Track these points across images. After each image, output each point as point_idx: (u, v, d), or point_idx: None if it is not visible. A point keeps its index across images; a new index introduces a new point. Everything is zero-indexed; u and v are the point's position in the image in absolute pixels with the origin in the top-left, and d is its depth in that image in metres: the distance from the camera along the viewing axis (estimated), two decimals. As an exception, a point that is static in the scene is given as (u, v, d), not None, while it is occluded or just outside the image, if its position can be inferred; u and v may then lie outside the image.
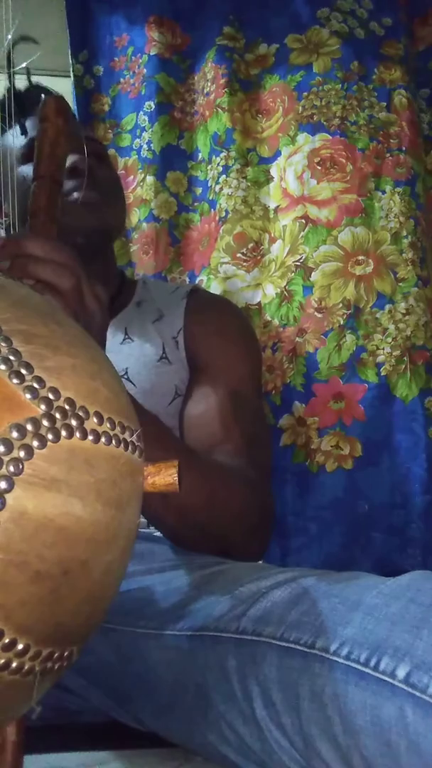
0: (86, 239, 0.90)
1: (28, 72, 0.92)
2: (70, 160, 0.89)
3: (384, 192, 1.27)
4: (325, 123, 1.28)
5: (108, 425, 0.36)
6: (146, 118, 1.37)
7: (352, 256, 1.23)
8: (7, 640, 0.32)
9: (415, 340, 1.22)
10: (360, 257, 1.23)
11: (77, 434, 0.34)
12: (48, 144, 0.67)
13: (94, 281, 0.62)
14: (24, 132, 0.90)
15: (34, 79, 0.99)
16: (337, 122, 1.28)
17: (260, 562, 0.85)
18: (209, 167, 1.34)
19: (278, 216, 1.28)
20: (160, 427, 0.72)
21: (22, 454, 0.32)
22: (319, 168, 1.26)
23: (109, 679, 0.70)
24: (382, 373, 1.21)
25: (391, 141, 1.29)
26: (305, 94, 1.30)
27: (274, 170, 1.30)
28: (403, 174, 1.28)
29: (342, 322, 1.21)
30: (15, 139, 0.96)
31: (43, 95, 0.79)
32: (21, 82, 0.95)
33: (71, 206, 0.88)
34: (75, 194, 0.89)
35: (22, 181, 0.73)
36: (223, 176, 1.31)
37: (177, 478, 0.41)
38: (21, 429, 0.33)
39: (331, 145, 1.27)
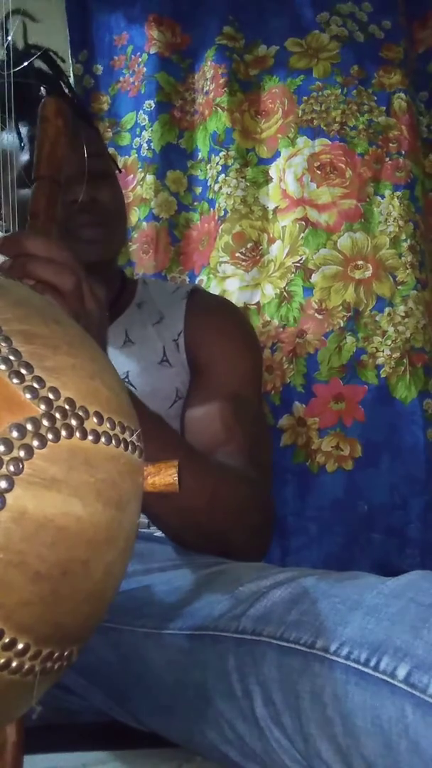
0: (87, 270, 0.89)
1: (25, 32, 0.90)
2: (74, 192, 0.87)
3: (383, 196, 1.27)
4: (324, 128, 1.28)
5: (108, 425, 0.36)
6: (146, 117, 1.38)
7: (351, 261, 1.24)
8: (6, 640, 0.32)
9: (414, 342, 1.22)
10: (359, 262, 1.24)
11: (77, 434, 0.34)
12: (48, 144, 0.67)
13: (94, 282, 0.62)
14: (22, 144, 0.89)
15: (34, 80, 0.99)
16: (336, 127, 1.28)
17: (260, 562, 0.85)
18: (209, 166, 1.34)
19: (277, 217, 1.28)
20: (161, 427, 0.72)
21: (22, 453, 0.32)
22: (318, 172, 1.26)
23: (109, 679, 0.70)
24: (382, 375, 1.21)
25: (391, 145, 1.30)
26: (305, 98, 1.30)
27: (273, 171, 1.30)
28: (402, 178, 1.28)
29: (342, 324, 1.22)
30: (15, 151, 0.94)
31: (42, 88, 0.79)
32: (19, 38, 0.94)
33: (73, 242, 0.87)
34: (76, 229, 0.88)
35: (24, 204, 0.72)
36: (222, 176, 1.31)
37: (177, 478, 0.41)
38: (21, 429, 0.33)
39: (331, 150, 1.27)
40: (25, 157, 0.91)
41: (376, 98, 1.32)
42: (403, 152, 1.30)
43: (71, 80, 1.41)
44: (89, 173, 0.87)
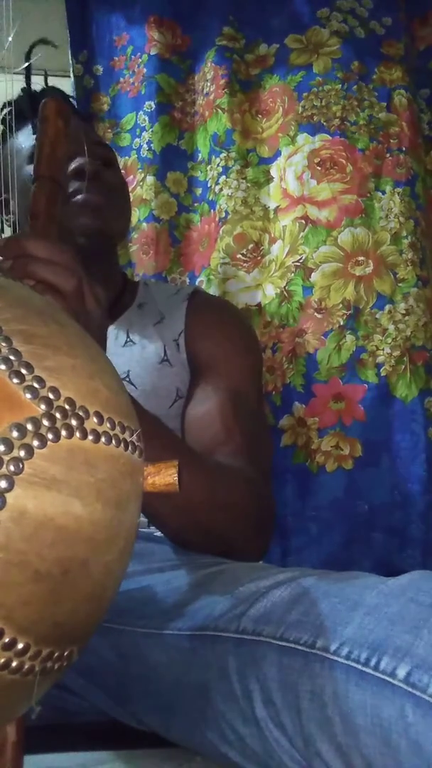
0: (87, 241, 0.90)
1: (46, 72, 0.93)
2: (77, 162, 0.89)
3: (384, 192, 1.27)
4: (325, 123, 1.28)
5: (108, 425, 0.36)
6: (146, 118, 1.38)
7: (351, 257, 1.24)
8: (7, 640, 0.32)
9: (415, 340, 1.22)
10: (360, 258, 1.23)
11: (77, 434, 0.35)
12: (48, 144, 0.67)
13: (94, 282, 0.62)
14: (36, 132, 0.91)
15: (36, 78, 1.00)
16: (337, 122, 1.28)
17: (260, 562, 0.85)
18: (209, 168, 1.34)
19: (278, 216, 1.28)
20: (160, 427, 0.72)
21: (22, 453, 0.32)
22: (319, 168, 1.26)
23: (109, 679, 0.70)
24: (382, 374, 1.21)
25: (391, 141, 1.29)
26: (305, 94, 1.30)
27: (274, 170, 1.30)
28: (403, 174, 1.28)
29: (342, 323, 1.22)
30: (26, 139, 0.96)
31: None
32: (37, 84, 0.97)
33: (73, 207, 0.89)
34: (78, 196, 0.90)
35: (28, 181, 0.74)
36: (223, 177, 1.31)
37: (177, 478, 0.41)
38: (21, 428, 0.33)
39: (331, 145, 1.27)
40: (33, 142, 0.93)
41: (376, 94, 1.31)
42: (404, 148, 1.30)
43: (71, 80, 1.41)
44: (93, 156, 0.89)
